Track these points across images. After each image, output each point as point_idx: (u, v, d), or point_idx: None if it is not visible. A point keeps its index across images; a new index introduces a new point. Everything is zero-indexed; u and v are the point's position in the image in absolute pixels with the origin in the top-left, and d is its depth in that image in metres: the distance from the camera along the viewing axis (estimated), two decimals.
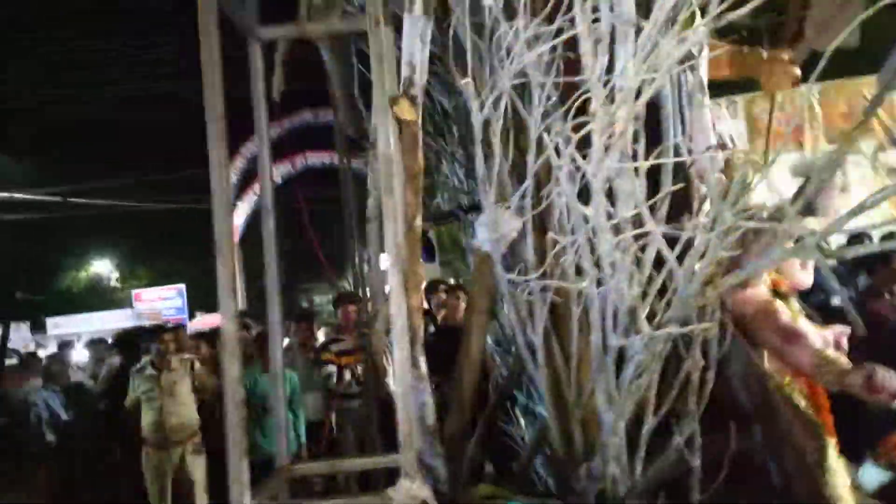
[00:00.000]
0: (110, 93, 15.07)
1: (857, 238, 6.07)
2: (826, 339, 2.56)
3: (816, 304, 5.29)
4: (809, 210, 1.88)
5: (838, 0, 2.74)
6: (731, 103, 9.20)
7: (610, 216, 1.64)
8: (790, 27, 2.97)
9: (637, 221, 1.65)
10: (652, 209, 1.65)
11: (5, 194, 16.02)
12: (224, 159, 1.70)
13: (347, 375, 6.17)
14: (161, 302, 18.69)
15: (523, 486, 2.26)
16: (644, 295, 1.68)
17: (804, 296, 5.55)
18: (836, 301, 5.36)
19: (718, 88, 3.07)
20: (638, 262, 1.66)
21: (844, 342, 2.59)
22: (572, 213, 1.73)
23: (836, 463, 2.33)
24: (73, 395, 6.44)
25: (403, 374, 1.76)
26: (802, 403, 2.42)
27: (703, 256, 1.61)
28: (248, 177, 15.34)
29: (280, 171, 16.71)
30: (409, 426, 1.74)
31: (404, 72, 1.78)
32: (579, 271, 1.76)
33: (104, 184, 16.61)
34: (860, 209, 1.68)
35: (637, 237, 1.63)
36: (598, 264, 1.69)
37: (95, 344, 8.06)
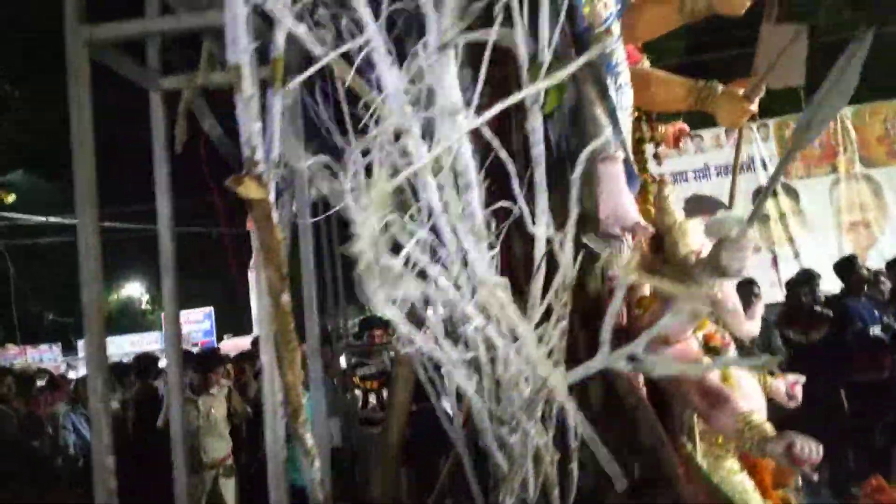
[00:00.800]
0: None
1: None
2: (777, 389, 2.53)
3: (855, 333, 5.21)
4: (720, 271, 1.82)
5: (788, 35, 2.69)
6: (762, 126, 9.11)
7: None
8: (756, 62, 2.92)
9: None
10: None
11: (38, 217, 16.34)
12: (94, 226, 1.53)
13: (372, 399, 6.14)
14: (190, 325, 18.87)
15: None
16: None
17: (846, 323, 5.41)
18: (874, 330, 5.26)
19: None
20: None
21: (798, 391, 2.55)
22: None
23: None
24: None
25: (276, 454, 1.68)
26: (735, 466, 2.37)
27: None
28: (277, 192, 15.42)
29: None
30: None
31: (245, 152, 1.51)
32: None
33: (134, 208, 16.87)
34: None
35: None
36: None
37: (118, 368, 8.03)
